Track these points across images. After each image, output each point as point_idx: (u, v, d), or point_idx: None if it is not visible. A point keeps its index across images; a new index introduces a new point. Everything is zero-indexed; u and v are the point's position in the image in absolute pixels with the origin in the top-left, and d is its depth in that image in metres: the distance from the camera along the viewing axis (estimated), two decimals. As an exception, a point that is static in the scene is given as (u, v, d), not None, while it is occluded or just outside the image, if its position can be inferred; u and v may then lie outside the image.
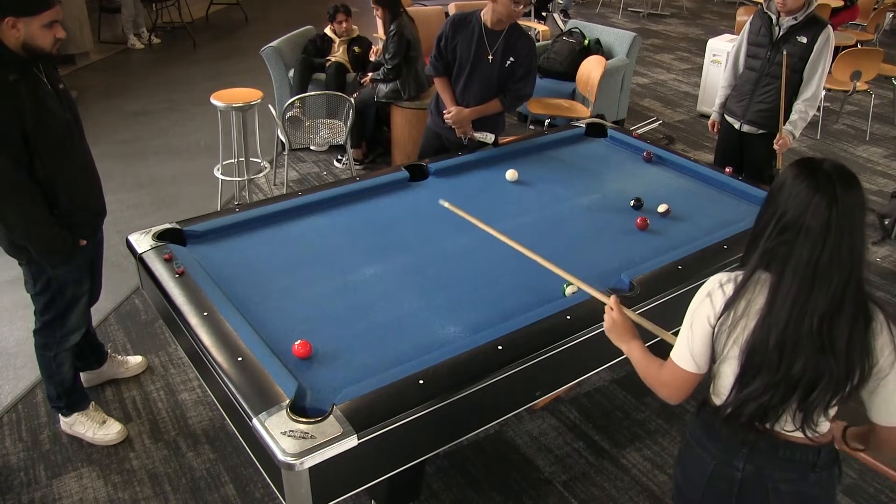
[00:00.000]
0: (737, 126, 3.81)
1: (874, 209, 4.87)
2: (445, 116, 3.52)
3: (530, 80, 3.54)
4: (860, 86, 6.02)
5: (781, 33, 3.55)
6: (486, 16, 3.37)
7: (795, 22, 3.50)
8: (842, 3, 7.90)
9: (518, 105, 3.68)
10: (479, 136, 3.54)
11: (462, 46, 3.42)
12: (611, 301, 1.85)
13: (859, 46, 6.46)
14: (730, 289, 1.52)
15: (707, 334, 1.56)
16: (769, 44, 3.59)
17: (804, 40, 3.51)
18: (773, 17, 3.56)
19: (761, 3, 3.68)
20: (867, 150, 6.00)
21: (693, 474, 1.72)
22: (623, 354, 2.47)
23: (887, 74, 6.47)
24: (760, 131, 3.73)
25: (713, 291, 1.55)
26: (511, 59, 3.41)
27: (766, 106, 3.65)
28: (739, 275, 1.53)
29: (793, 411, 1.51)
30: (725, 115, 3.90)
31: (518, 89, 3.51)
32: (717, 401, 1.63)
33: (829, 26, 3.54)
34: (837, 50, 6.75)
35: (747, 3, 8.69)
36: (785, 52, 3.49)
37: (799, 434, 1.54)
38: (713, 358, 1.59)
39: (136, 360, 3.27)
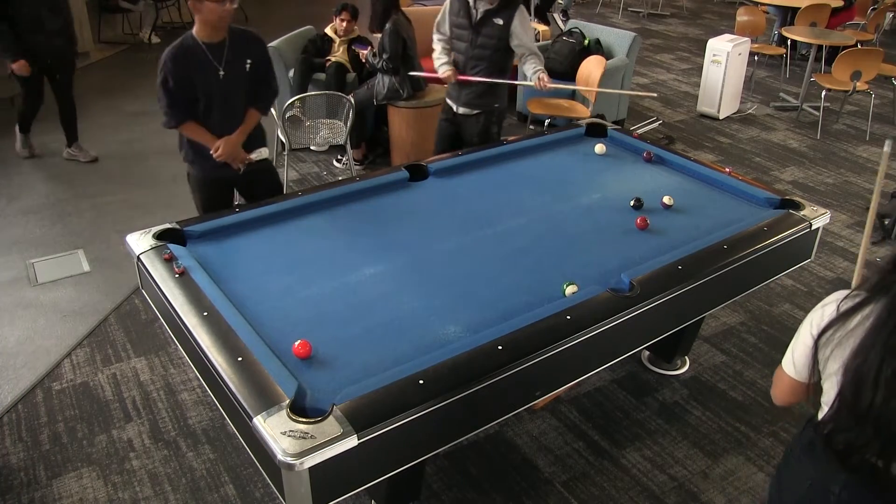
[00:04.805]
0: (454, 108, 3.95)
1: (874, 209, 4.88)
2: (217, 156, 3.18)
3: (274, 76, 3.34)
4: (860, 86, 6.02)
5: (479, 17, 3.69)
6: (199, 33, 3.08)
7: (491, 6, 3.65)
8: (841, 3, 7.91)
9: (271, 105, 3.43)
10: (255, 155, 3.33)
11: (195, 76, 3.09)
12: None
13: (859, 46, 6.46)
14: (846, 304, 1.48)
15: (809, 344, 1.54)
16: (469, 27, 3.72)
17: (500, 22, 3.67)
18: (471, 1, 3.69)
19: None
20: (867, 150, 6.00)
21: (787, 491, 1.67)
22: (623, 355, 2.49)
23: (887, 74, 6.47)
24: (476, 112, 3.89)
25: (828, 303, 1.53)
26: (248, 61, 3.18)
27: (477, 88, 3.82)
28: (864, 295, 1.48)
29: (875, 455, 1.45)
30: (446, 97, 4.00)
31: (265, 91, 3.32)
32: (821, 418, 1.58)
33: (522, 5, 3.72)
34: (837, 50, 6.78)
35: (747, 3, 8.69)
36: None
37: None
38: (819, 371, 1.55)
39: None
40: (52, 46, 4.91)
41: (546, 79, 3.82)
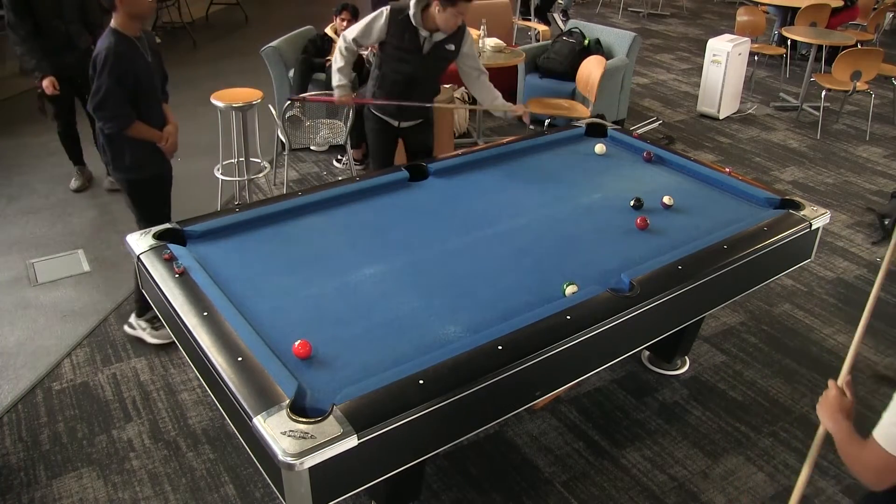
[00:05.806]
0: (395, 124, 3.90)
1: (874, 209, 4.88)
2: (168, 147, 3.30)
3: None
4: (860, 86, 6.02)
5: (430, 48, 3.62)
6: (126, 28, 3.08)
7: (446, 36, 3.62)
8: (842, 3, 7.91)
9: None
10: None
11: (137, 70, 3.12)
12: (833, 384, 1.65)
13: (859, 46, 6.46)
14: None
15: None
16: (418, 52, 3.64)
17: (452, 48, 3.69)
18: (424, 32, 3.57)
19: (407, 11, 3.56)
20: (867, 150, 6.00)
21: None
22: (623, 355, 2.49)
23: (887, 74, 6.47)
24: (419, 120, 3.92)
25: None
26: (155, 51, 3.32)
27: (424, 100, 3.83)
28: None
29: None
30: (378, 114, 3.91)
31: (165, 80, 3.47)
32: None
33: (466, 27, 3.75)
34: (837, 50, 6.78)
35: (747, 3, 8.69)
36: None
37: None
38: None
39: None
40: (83, 65, 4.58)
41: (527, 115, 4.00)
